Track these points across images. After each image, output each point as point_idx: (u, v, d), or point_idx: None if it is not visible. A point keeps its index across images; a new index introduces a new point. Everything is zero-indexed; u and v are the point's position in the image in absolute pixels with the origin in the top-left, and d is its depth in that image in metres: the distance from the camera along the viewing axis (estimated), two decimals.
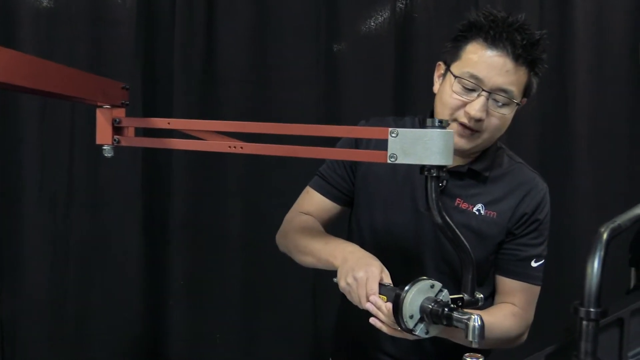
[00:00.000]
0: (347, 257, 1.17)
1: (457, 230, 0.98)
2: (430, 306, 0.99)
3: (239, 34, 2.11)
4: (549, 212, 1.35)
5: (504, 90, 1.21)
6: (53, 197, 2.03)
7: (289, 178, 2.02)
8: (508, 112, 1.24)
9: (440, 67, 1.32)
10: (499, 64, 1.20)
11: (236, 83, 2.11)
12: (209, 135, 0.94)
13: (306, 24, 2.13)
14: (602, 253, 0.83)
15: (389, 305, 1.04)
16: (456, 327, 0.97)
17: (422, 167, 0.92)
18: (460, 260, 1.02)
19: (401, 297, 1.00)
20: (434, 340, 1.20)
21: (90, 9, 2.02)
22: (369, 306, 1.08)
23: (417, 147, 0.87)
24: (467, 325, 0.94)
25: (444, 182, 1.30)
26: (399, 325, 1.02)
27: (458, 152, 1.27)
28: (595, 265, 0.82)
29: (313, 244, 1.28)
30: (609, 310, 0.85)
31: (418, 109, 2.11)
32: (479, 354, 1.00)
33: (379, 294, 1.08)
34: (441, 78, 1.31)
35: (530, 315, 1.35)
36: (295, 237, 1.35)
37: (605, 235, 0.85)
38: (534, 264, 1.32)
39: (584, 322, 0.82)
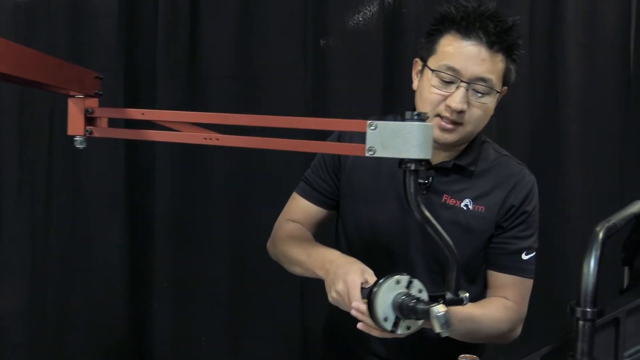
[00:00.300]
0: (328, 268, 1.17)
1: (438, 226, 0.96)
2: (399, 303, 0.99)
3: (224, 28, 2.08)
4: (537, 204, 1.35)
5: (483, 79, 1.21)
6: (32, 197, 1.99)
7: (276, 177, 2.01)
8: (489, 102, 1.24)
9: (417, 64, 1.32)
10: (475, 53, 1.20)
11: (221, 79, 2.08)
12: (184, 127, 0.92)
13: (293, 18, 2.11)
14: (598, 252, 0.83)
15: None
16: (423, 319, 0.97)
17: (401, 161, 0.91)
18: (444, 258, 1.00)
19: (371, 303, 1.00)
20: (425, 339, 1.19)
21: (70, 2, 1.99)
22: (354, 313, 1.08)
23: (396, 140, 0.86)
24: (430, 317, 0.93)
25: (430, 178, 1.30)
26: (381, 329, 1.02)
27: (444, 146, 1.28)
28: (591, 265, 0.82)
29: (299, 254, 1.30)
30: (605, 310, 0.85)
31: (407, 105, 2.10)
32: (474, 354, 1.03)
33: (363, 298, 1.07)
34: (419, 75, 1.31)
35: (523, 309, 1.34)
36: (283, 247, 1.36)
37: (601, 235, 0.86)
38: (524, 257, 1.32)
39: (581, 322, 0.82)
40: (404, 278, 1.01)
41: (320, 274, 1.20)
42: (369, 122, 0.88)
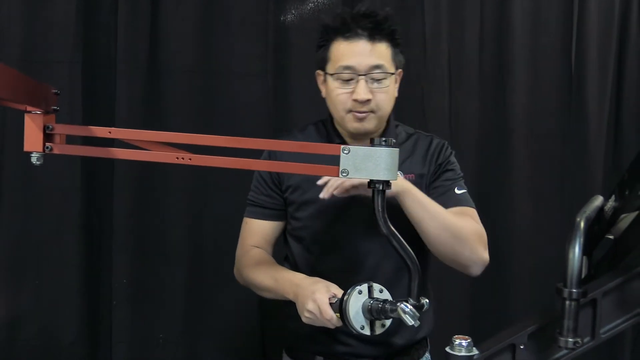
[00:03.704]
0: (296, 292, 1.22)
1: (402, 239, 1.02)
2: (368, 308, 1.06)
3: (185, 21, 1.97)
4: (453, 155, 1.44)
5: (377, 66, 1.31)
6: None
7: (235, 181, 1.90)
8: (389, 84, 1.34)
9: (320, 75, 1.39)
10: (362, 49, 1.30)
11: (181, 73, 1.97)
12: (153, 145, 0.83)
13: (254, 13, 2.01)
14: (582, 240, 0.89)
15: None
16: (394, 318, 1.05)
17: (370, 182, 0.96)
18: (407, 268, 1.04)
19: (345, 318, 1.08)
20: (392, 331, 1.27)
21: None
22: (331, 326, 1.14)
23: (367, 163, 0.92)
24: (399, 314, 1.01)
25: None
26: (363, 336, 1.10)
27: (365, 135, 1.35)
28: (576, 251, 0.88)
29: (266, 281, 1.33)
30: (588, 291, 0.91)
31: None
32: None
33: (334, 312, 1.12)
34: (324, 83, 1.38)
35: (482, 227, 1.36)
36: (250, 275, 1.38)
37: (582, 224, 0.91)
38: (457, 191, 1.38)
39: (567, 302, 0.88)
40: (364, 286, 1.08)
41: (289, 296, 1.24)
42: (342, 146, 0.92)
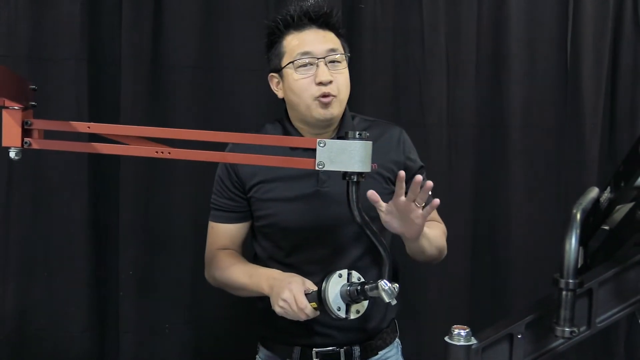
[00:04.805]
0: (272, 284, 1.20)
1: (374, 227, 1.04)
2: (347, 292, 1.07)
3: (188, 17, 1.91)
4: (410, 143, 1.42)
5: (333, 50, 1.29)
6: None
7: None
8: (345, 67, 1.32)
9: (273, 77, 1.36)
10: (314, 35, 1.29)
11: (184, 69, 1.91)
12: (134, 140, 0.77)
13: (255, 9, 1.95)
14: (578, 231, 0.87)
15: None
16: (372, 297, 1.06)
17: (345, 174, 0.95)
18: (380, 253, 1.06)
19: (322, 299, 1.07)
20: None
21: None
22: (303, 317, 1.13)
23: (342, 156, 0.91)
24: (379, 292, 1.02)
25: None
26: (337, 319, 1.10)
27: (327, 123, 1.31)
28: (572, 242, 0.86)
29: (241, 278, 1.31)
30: (584, 281, 0.89)
31: (366, 100, 2.01)
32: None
33: (310, 302, 1.12)
34: (280, 84, 1.34)
35: (443, 223, 1.44)
36: (223, 276, 1.35)
37: (578, 216, 0.89)
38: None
39: (564, 292, 0.86)
40: (344, 271, 1.10)
41: (264, 290, 1.22)
42: (318, 140, 0.92)
